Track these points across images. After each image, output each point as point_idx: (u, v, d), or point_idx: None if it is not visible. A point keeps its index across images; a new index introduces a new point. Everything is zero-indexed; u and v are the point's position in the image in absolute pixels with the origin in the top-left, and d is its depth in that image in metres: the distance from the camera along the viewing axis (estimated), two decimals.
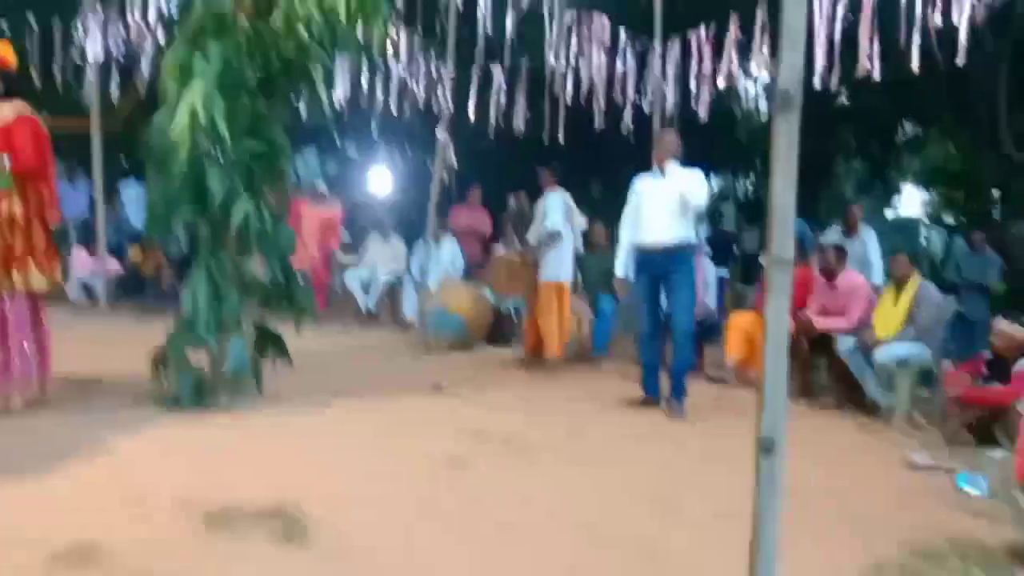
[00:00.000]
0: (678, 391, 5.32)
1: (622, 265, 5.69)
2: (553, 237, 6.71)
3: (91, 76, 8.31)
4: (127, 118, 10.23)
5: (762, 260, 7.29)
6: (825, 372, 6.47)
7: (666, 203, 5.33)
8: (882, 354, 5.65)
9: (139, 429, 3.94)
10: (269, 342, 4.80)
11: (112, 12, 8.17)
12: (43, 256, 4.21)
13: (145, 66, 8.18)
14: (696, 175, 5.39)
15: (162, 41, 7.82)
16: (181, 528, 2.79)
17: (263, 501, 3.02)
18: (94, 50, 8.14)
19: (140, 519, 2.85)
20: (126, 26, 8.06)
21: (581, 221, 7.10)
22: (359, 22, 4.71)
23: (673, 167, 5.38)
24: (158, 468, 3.39)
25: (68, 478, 3.18)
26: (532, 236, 6.91)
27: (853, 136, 15.78)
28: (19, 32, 9.01)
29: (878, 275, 7.11)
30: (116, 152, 11.18)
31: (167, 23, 7.71)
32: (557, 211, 6.71)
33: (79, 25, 8.25)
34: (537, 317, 6.84)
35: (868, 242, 7.36)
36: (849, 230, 7.41)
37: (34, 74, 8.43)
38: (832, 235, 7.46)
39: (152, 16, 7.77)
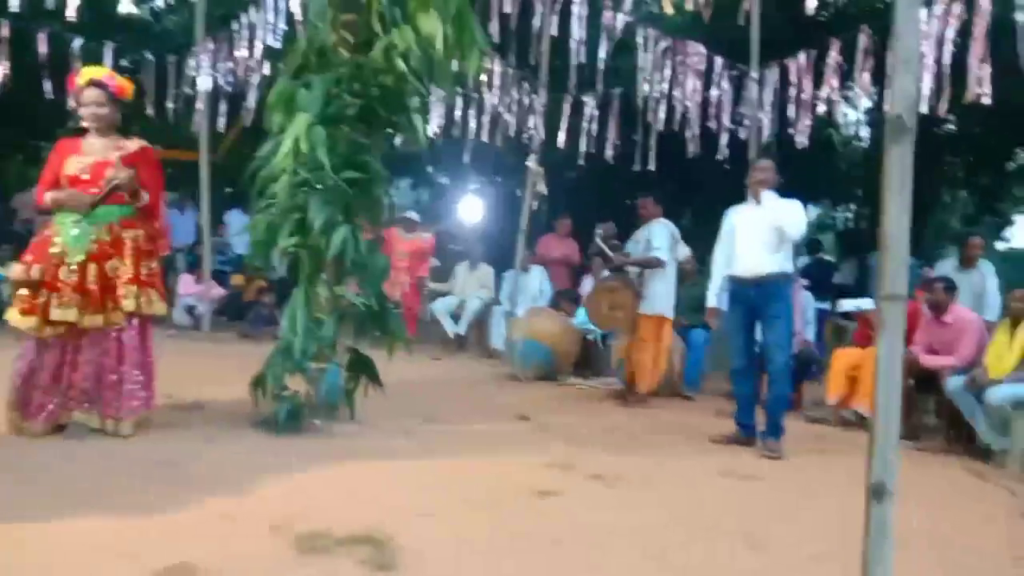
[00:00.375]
0: (774, 429, 5.12)
1: (715, 295, 5.62)
2: (659, 265, 6.53)
3: (200, 108, 8.70)
4: (232, 148, 10.69)
5: (849, 305, 7.02)
6: (932, 413, 6.15)
7: (761, 234, 5.18)
8: (996, 395, 5.31)
9: (236, 452, 4.04)
10: (362, 368, 4.87)
11: (221, 47, 8.58)
12: (159, 282, 4.33)
13: (251, 98, 8.56)
14: (794, 205, 5.21)
15: (267, 74, 8.18)
16: (274, 551, 2.82)
17: (353, 526, 3.04)
18: (204, 83, 8.53)
19: (235, 541, 2.90)
20: (234, 60, 8.45)
21: (685, 252, 6.91)
22: (455, 54, 4.80)
23: (769, 196, 5.22)
24: (253, 490, 3.46)
25: (167, 499, 3.27)
26: (634, 259, 6.64)
27: (961, 165, 15.10)
28: (136, 67, 9.57)
29: (994, 311, 6.71)
30: (222, 182, 11.67)
31: (272, 57, 8.05)
32: (664, 241, 6.55)
33: (191, 60, 8.68)
34: (633, 350, 6.67)
35: (987, 276, 6.93)
36: (966, 263, 6.98)
37: (148, 106, 8.94)
38: (946, 267, 7.06)
39: (258, 50, 8.12)
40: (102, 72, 4.32)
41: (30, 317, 3.96)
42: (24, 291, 3.98)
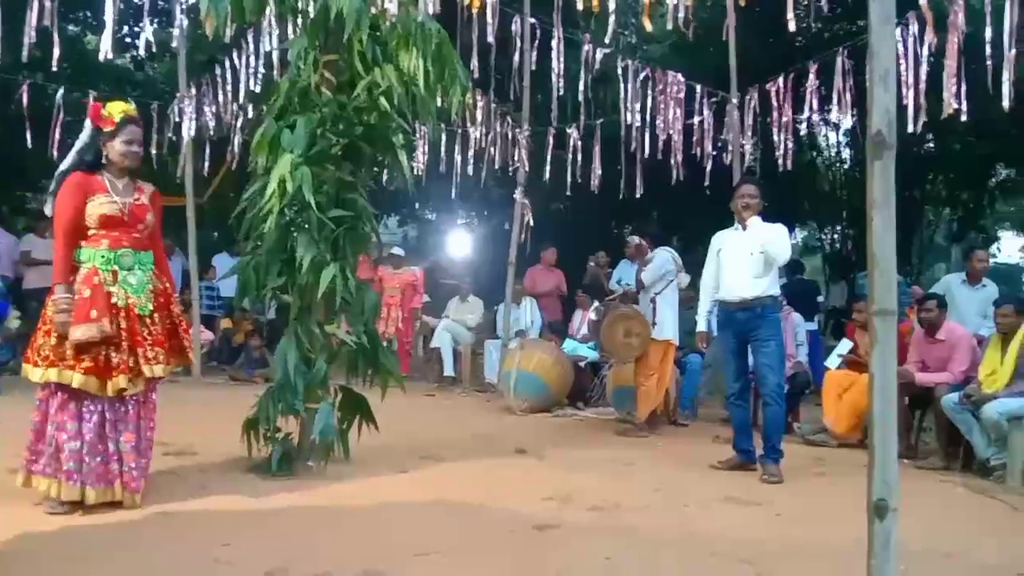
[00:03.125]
0: (772, 452, 5.09)
1: (704, 319, 5.71)
2: (670, 279, 6.59)
3: (185, 153, 8.72)
4: (218, 192, 10.70)
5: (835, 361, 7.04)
6: (929, 431, 6.13)
7: (747, 258, 5.21)
8: (992, 409, 5.30)
9: (230, 497, 3.98)
10: (355, 407, 4.82)
11: (204, 92, 8.63)
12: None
13: (235, 141, 8.59)
14: (779, 230, 5.24)
15: (251, 117, 8.22)
16: None
17: (352, 568, 2.99)
18: (188, 129, 8.55)
19: None
20: (217, 104, 8.49)
21: (686, 280, 6.95)
22: (438, 90, 4.84)
23: (754, 221, 5.26)
24: (248, 535, 3.40)
25: (162, 548, 3.22)
26: (646, 278, 6.64)
27: (943, 183, 15.25)
28: None
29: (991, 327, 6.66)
30: (209, 226, 11.65)
31: (255, 100, 8.09)
32: (672, 265, 6.61)
33: (174, 106, 8.71)
34: (640, 376, 6.63)
35: (993, 292, 6.86)
36: (973, 277, 6.95)
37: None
38: (953, 282, 7.03)
39: (241, 94, 8.16)
40: (131, 108, 3.94)
41: (119, 377, 3.59)
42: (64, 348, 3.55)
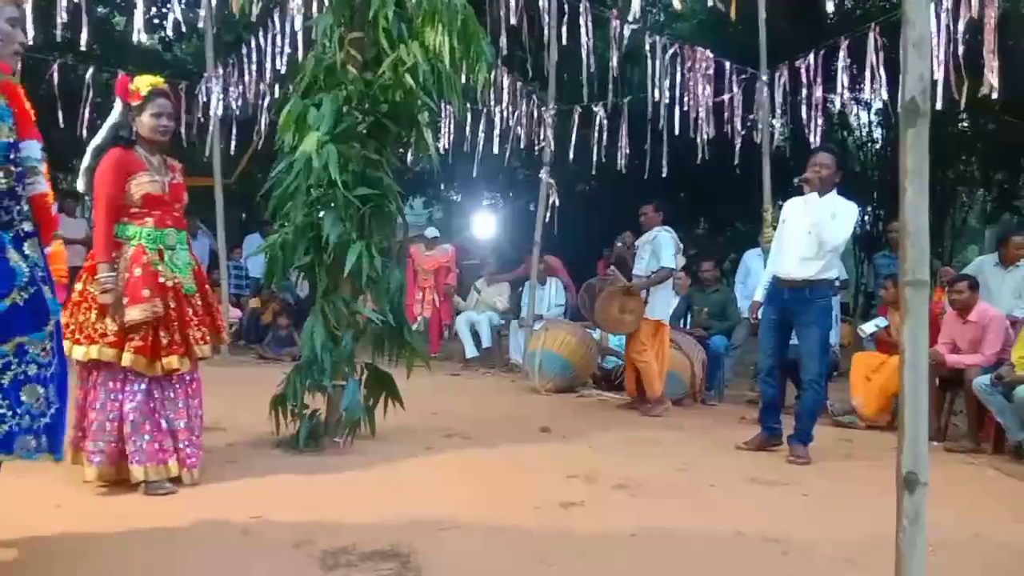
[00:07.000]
0: (802, 436, 4.99)
1: (762, 289, 5.47)
2: (669, 276, 6.59)
3: (213, 133, 8.76)
4: (245, 172, 10.75)
5: (870, 327, 6.95)
6: (959, 414, 6.06)
7: (802, 236, 4.97)
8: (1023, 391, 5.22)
9: (258, 471, 4.02)
10: (381, 384, 4.85)
11: (232, 72, 8.66)
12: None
13: (262, 121, 8.62)
14: (843, 211, 4.92)
15: (277, 96, 8.24)
16: (298, 569, 2.80)
17: (377, 542, 3.01)
18: (215, 109, 8.59)
19: (258, 559, 2.88)
20: (244, 84, 8.52)
21: (680, 263, 6.96)
22: (463, 68, 4.81)
23: (813, 197, 4.94)
24: (276, 509, 3.43)
25: (188, 518, 3.27)
26: (666, 260, 6.54)
27: (976, 163, 14.96)
28: None
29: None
30: (237, 206, 11.72)
31: (281, 80, 8.11)
32: (669, 250, 6.53)
33: (202, 86, 8.75)
34: (633, 353, 6.64)
35: None
36: (1007, 260, 6.79)
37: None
38: (986, 264, 6.90)
39: (267, 74, 8.18)
40: (160, 81, 3.80)
41: (171, 357, 3.60)
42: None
